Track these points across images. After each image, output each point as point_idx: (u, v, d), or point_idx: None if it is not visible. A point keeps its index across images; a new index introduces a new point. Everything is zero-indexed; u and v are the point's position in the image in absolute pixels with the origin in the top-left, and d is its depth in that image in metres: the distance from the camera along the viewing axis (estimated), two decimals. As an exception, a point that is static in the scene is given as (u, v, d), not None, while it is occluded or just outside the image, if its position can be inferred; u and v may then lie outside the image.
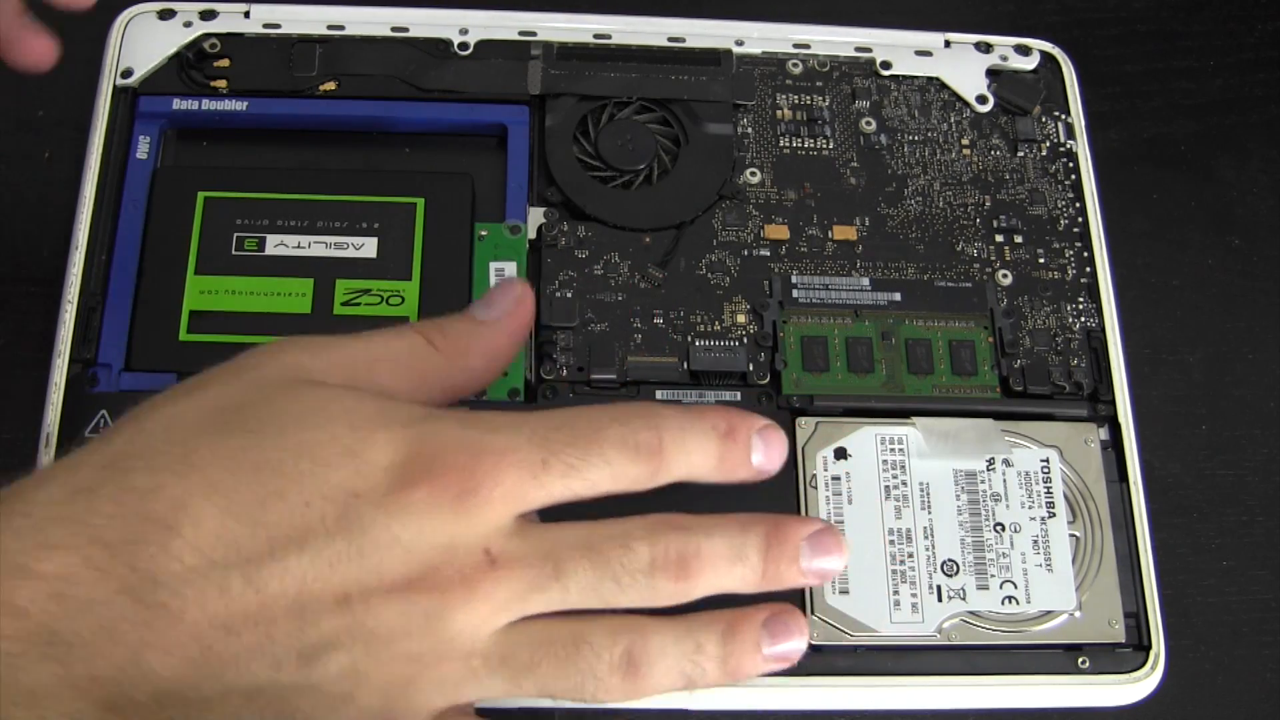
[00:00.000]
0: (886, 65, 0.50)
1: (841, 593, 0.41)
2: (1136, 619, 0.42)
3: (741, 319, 0.45)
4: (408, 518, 0.30)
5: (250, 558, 0.29)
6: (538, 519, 0.33)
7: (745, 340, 0.45)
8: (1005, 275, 0.46)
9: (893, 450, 0.43)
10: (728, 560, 0.32)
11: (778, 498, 0.42)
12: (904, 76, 0.50)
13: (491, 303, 0.36)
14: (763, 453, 0.35)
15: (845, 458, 0.43)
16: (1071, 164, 0.49)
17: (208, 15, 0.48)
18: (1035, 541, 0.42)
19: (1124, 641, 0.41)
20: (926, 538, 0.42)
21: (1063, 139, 0.49)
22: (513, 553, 0.31)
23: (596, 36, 0.49)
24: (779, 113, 0.49)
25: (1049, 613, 0.41)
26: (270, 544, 0.29)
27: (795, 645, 0.34)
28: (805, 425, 0.43)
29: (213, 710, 0.29)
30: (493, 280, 0.44)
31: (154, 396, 0.32)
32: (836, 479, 0.42)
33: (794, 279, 0.46)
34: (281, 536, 0.29)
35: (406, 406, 0.32)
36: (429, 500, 0.30)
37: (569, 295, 0.45)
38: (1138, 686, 0.41)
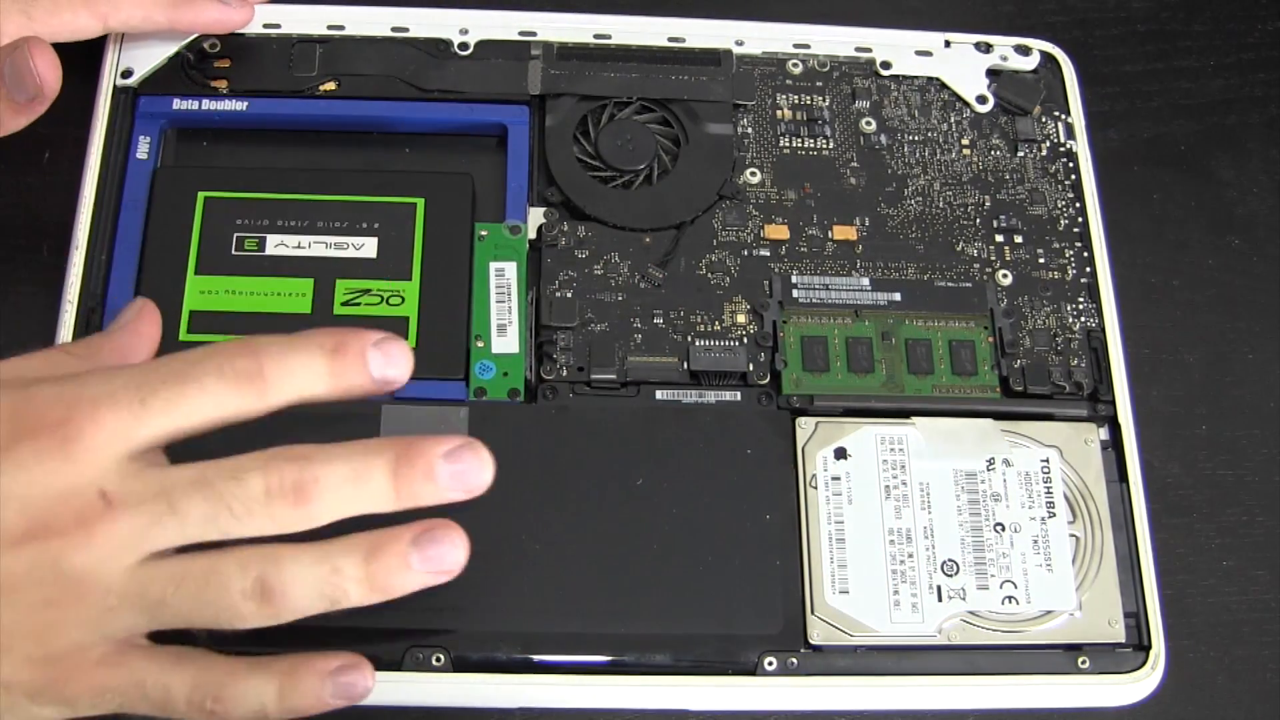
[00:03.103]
0: (886, 65, 0.50)
1: (841, 593, 0.41)
2: (1136, 619, 0.42)
3: (741, 319, 0.45)
4: (17, 472, 0.31)
5: None
6: (166, 461, 0.34)
7: (745, 340, 0.45)
8: (1005, 275, 0.46)
9: (893, 450, 0.43)
10: (350, 482, 0.33)
11: (778, 497, 0.42)
12: (904, 76, 0.50)
13: (117, 318, 0.40)
14: (382, 364, 0.34)
15: (845, 458, 0.43)
16: (1071, 164, 0.49)
17: (208, 15, 0.48)
18: (1035, 541, 0.42)
19: (1124, 641, 0.41)
20: (926, 538, 0.42)
21: (1062, 139, 0.49)
22: (128, 493, 0.32)
23: (596, 36, 0.49)
24: (779, 113, 0.49)
25: (1049, 612, 0.41)
26: None
27: (449, 554, 0.34)
28: (805, 425, 0.43)
29: None
30: (493, 280, 0.44)
31: None
32: (836, 479, 0.42)
33: (794, 279, 0.46)
34: None
35: (11, 380, 0.33)
36: (34, 452, 0.31)
37: (569, 295, 0.45)
38: (1138, 686, 0.41)
